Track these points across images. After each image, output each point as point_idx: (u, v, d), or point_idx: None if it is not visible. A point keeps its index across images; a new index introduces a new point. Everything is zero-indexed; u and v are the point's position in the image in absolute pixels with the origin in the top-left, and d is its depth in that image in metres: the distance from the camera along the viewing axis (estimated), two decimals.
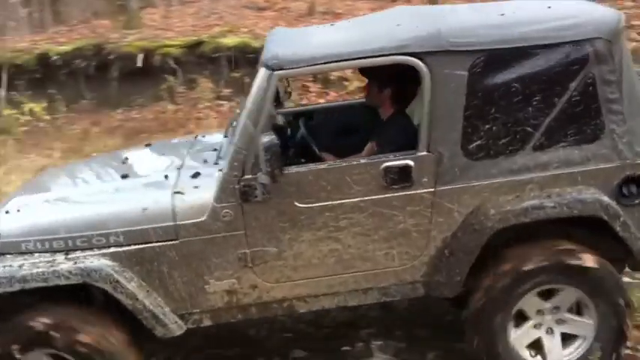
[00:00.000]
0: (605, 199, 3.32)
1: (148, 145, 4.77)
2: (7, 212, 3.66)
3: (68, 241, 3.48)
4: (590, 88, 3.33)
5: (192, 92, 9.44)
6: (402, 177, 3.37)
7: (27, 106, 8.66)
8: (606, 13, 3.46)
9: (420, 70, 3.31)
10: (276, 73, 3.33)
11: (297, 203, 3.40)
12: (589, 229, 3.38)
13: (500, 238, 3.36)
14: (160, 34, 10.01)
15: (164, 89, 9.50)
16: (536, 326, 3.52)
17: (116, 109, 9.42)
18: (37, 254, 3.49)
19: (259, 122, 3.32)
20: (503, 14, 3.57)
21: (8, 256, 3.48)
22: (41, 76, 9.38)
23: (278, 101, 4.40)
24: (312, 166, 3.42)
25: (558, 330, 3.50)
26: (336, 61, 3.40)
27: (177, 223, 3.39)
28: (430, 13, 3.95)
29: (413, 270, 3.50)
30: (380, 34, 3.56)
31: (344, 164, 3.44)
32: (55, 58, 9.39)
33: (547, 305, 3.47)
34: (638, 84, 3.46)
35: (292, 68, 3.36)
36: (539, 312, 3.48)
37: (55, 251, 3.48)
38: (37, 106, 8.63)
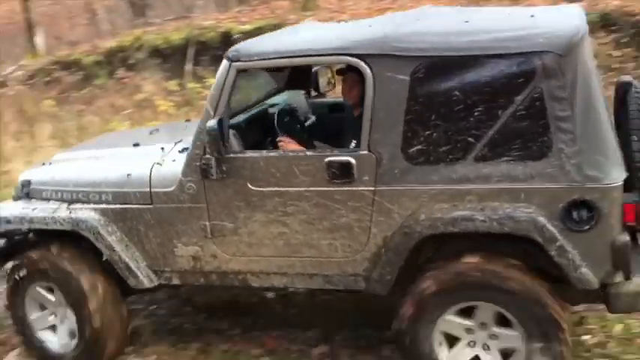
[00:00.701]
0: (542, 220, 3.18)
1: (187, 121, 5.51)
2: (43, 164, 4.69)
3: (72, 194, 4.17)
4: (538, 103, 3.18)
5: None
6: (344, 173, 3.48)
7: (209, 81, 8.99)
8: (563, 26, 3.28)
9: (363, 71, 3.42)
10: (233, 64, 3.63)
11: (250, 185, 3.66)
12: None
13: (451, 246, 3.41)
14: (334, 17, 10.66)
15: None
16: (471, 344, 3.47)
17: None
18: (51, 201, 4.23)
19: (217, 107, 3.63)
20: (467, 21, 3.57)
21: (33, 200, 4.32)
22: (223, 53, 10.65)
23: (318, 91, 4.95)
24: (264, 153, 3.70)
25: (494, 345, 3.42)
26: (285, 57, 3.65)
27: (152, 190, 3.89)
28: (399, 16, 4.05)
29: (354, 263, 3.60)
30: (338, 35, 3.72)
31: (291, 154, 3.68)
32: (236, 36, 10.08)
33: (471, 322, 3.42)
34: (601, 103, 3.27)
35: (247, 61, 3.64)
36: (469, 330, 3.44)
37: (63, 201, 4.19)
38: None
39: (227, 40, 10.25)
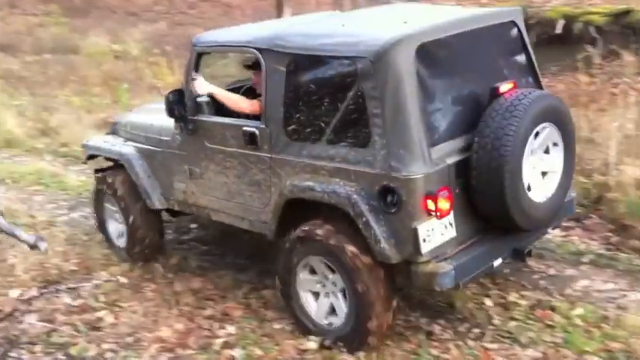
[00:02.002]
0: (355, 197, 3.78)
1: None
2: (129, 111, 6.34)
3: (128, 134, 5.52)
4: (360, 100, 3.79)
5: (612, 66, 8.72)
6: (252, 140, 4.35)
7: None
8: (383, 36, 3.75)
9: (259, 61, 4.29)
10: (194, 48, 4.74)
11: (205, 142, 4.71)
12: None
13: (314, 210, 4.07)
14: (584, 0, 9.38)
15: (581, 60, 8.99)
16: (327, 295, 4.17)
17: None
18: (121, 138, 5.58)
19: (187, 80, 4.75)
20: (343, 25, 4.29)
21: (115, 136, 5.69)
22: None
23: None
24: (212, 118, 4.69)
25: (336, 290, 4.09)
26: (220, 46, 4.75)
27: (160, 137, 5.13)
28: (303, 17, 5.10)
29: (265, 213, 4.43)
30: (256, 29, 4.64)
31: (226, 121, 4.59)
32: None
33: (317, 277, 4.18)
34: (414, 104, 3.67)
35: (202, 46, 4.73)
36: (320, 283, 4.19)
37: (126, 139, 5.52)
38: None
39: None
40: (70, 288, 5.12)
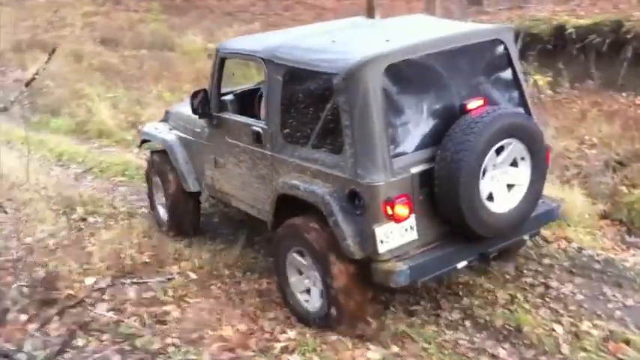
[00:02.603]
0: (328, 198, 4.24)
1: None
2: (182, 101, 7.05)
3: (174, 123, 6.18)
4: (336, 112, 4.23)
5: None
6: (258, 138, 4.90)
7: (532, 77, 8.45)
8: (356, 56, 4.14)
9: (263, 69, 4.81)
10: (217, 53, 5.35)
11: (226, 137, 5.31)
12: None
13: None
14: None
15: None
16: (308, 277, 4.61)
17: (621, 92, 8.85)
18: (169, 126, 6.24)
19: (212, 81, 5.39)
20: (334, 41, 4.66)
21: (166, 124, 6.32)
22: (552, 48, 9.46)
23: None
24: (232, 116, 5.29)
25: (312, 275, 4.55)
26: (236, 53, 5.29)
27: (194, 128, 5.75)
28: (307, 29, 5.52)
29: (267, 203, 4.89)
30: (266, 39, 5.21)
31: (241, 120, 5.16)
32: (570, 31, 9.36)
33: (304, 262, 4.57)
34: (379, 119, 4.04)
35: (224, 52, 5.32)
36: (304, 266, 4.59)
37: (172, 127, 6.18)
38: (542, 79, 8.57)
39: (560, 33, 9.57)
40: (141, 280, 5.25)
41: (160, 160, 6.14)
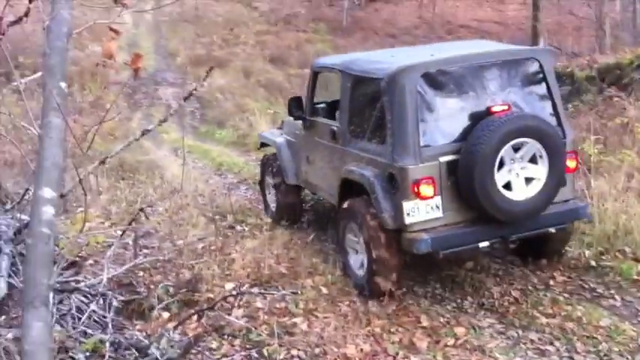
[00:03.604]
0: (372, 178, 5.16)
1: None
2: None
3: (286, 129, 7.21)
4: (382, 110, 5.19)
5: None
6: (334, 136, 5.91)
7: None
8: (399, 64, 5.15)
9: (339, 78, 5.92)
10: (312, 68, 6.59)
11: (315, 137, 6.33)
12: None
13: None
14: None
15: None
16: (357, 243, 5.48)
17: None
18: (281, 133, 7.32)
19: (307, 91, 6.57)
20: (393, 56, 5.75)
21: (280, 129, 7.50)
22: None
23: None
24: (319, 119, 6.32)
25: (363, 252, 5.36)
26: (323, 67, 6.45)
27: (296, 132, 6.83)
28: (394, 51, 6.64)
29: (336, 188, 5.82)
30: (352, 56, 6.40)
31: (324, 121, 6.20)
32: None
33: (356, 239, 5.47)
34: (412, 116, 4.96)
35: (314, 67, 6.56)
36: (357, 243, 5.46)
37: (284, 133, 7.24)
38: None
39: None
40: (276, 290, 5.43)
41: (272, 160, 7.21)
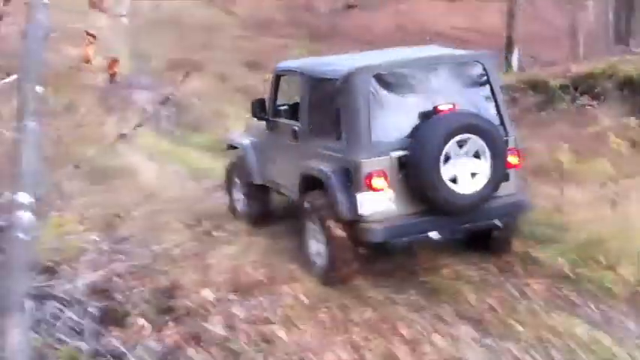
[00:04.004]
0: (330, 173, 5.50)
1: None
2: None
3: (253, 130, 7.56)
4: (337, 108, 5.58)
5: None
6: (295, 135, 6.26)
7: None
8: (353, 66, 5.54)
9: (299, 80, 6.39)
10: (275, 71, 7.05)
11: (277, 138, 6.68)
12: None
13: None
14: None
15: None
16: (316, 238, 5.79)
17: None
18: (247, 135, 7.63)
19: (270, 93, 6.90)
20: (347, 59, 6.26)
21: (247, 131, 7.88)
22: None
23: None
24: (281, 120, 6.68)
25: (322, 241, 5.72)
26: (284, 71, 6.91)
27: (260, 133, 7.10)
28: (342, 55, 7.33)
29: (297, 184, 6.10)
30: (309, 60, 7.39)
31: (286, 122, 6.55)
32: None
33: (315, 227, 5.78)
34: (364, 114, 5.34)
35: (276, 71, 6.98)
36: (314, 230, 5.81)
37: (250, 135, 7.49)
38: None
39: None
40: (254, 297, 5.40)
41: (240, 161, 7.37)
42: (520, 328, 4.88)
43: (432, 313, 5.17)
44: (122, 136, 4.89)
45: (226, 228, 7.04)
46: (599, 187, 7.01)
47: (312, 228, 5.78)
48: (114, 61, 5.93)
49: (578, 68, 11.46)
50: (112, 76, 7.18)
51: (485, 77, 5.66)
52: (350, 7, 25.46)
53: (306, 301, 5.36)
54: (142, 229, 6.65)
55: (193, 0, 25.28)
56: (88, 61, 4.48)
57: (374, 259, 6.25)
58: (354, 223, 5.38)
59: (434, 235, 5.42)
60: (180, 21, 22.50)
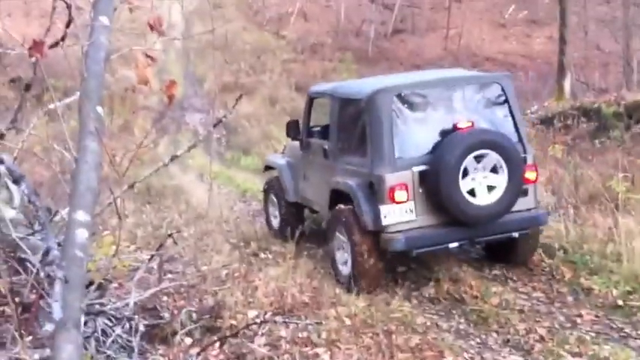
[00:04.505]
0: (355, 187, 5.89)
1: None
2: None
3: (289, 152, 8.03)
4: (364, 127, 5.96)
5: None
6: (325, 153, 6.64)
7: None
8: (375, 87, 5.96)
9: (329, 102, 6.76)
10: (308, 94, 7.52)
11: (310, 156, 7.04)
12: None
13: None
14: None
15: None
16: (345, 254, 6.14)
17: None
18: (284, 156, 8.16)
19: (304, 115, 7.32)
20: (374, 81, 6.62)
21: (283, 154, 8.35)
22: None
23: None
24: (313, 139, 7.08)
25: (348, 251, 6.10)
26: (318, 93, 7.31)
27: (295, 153, 7.53)
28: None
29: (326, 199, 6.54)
30: (343, 83, 7.92)
31: (318, 142, 6.94)
32: None
33: (344, 239, 6.12)
34: (387, 131, 5.69)
35: (310, 94, 7.49)
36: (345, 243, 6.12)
37: (287, 156, 8.01)
38: None
39: None
40: (299, 319, 5.42)
41: (275, 181, 7.81)
42: (570, 359, 4.77)
43: (479, 341, 5.10)
44: (176, 157, 4.99)
45: (273, 250, 7.11)
46: None
47: (340, 238, 6.14)
48: (172, 83, 6.09)
49: (632, 96, 11.25)
50: (170, 98, 7.31)
51: (503, 97, 6.00)
52: (397, 31, 25.55)
53: (351, 324, 5.33)
54: (191, 249, 6.75)
55: (245, 24, 25.78)
56: (145, 82, 4.60)
57: (419, 285, 6.23)
58: (377, 233, 5.73)
59: (453, 246, 5.77)
60: (232, 45, 22.94)
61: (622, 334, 5.11)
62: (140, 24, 5.53)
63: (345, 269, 6.06)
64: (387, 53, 21.80)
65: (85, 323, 4.64)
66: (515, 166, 5.66)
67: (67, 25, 4.85)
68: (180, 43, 22.50)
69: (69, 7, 4.91)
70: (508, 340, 5.08)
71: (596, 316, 5.38)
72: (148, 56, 5.48)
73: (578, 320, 5.33)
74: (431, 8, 26.65)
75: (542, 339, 5.05)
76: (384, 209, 5.60)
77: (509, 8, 26.47)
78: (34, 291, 4.53)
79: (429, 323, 5.40)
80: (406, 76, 6.93)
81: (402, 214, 5.62)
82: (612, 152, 10.08)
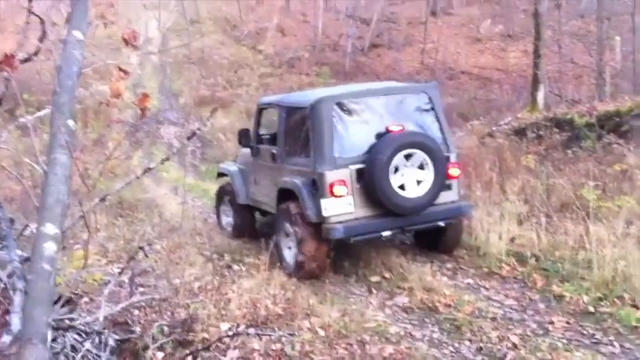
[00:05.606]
0: (300, 184, 6.63)
1: None
2: None
3: (240, 159, 8.71)
4: (306, 131, 6.71)
5: None
6: (274, 157, 7.31)
7: None
8: (317, 96, 6.74)
9: (277, 111, 7.51)
10: (257, 105, 8.34)
11: (260, 161, 7.73)
12: None
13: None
14: None
15: None
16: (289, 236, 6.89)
17: None
18: (236, 163, 8.86)
19: (254, 124, 8.08)
20: (317, 91, 7.74)
21: (235, 162, 9.01)
22: None
23: None
24: (263, 145, 7.75)
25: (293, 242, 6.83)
26: (266, 104, 8.06)
27: (247, 160, 8.16)
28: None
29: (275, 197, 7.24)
30: (286, 95, 8.45)
31: (267, 147, 7.62)
32: None
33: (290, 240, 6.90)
34: (328, 134, 6.48)
35: (259, 105, 8.32)
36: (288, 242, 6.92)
37: (238, 163, 8.70)
38: None
39: None
40: (272, 331, 5.38)
41: (228, 186, 8.51)
42: None
43: (452, 350, 5.10)
44: (149, 170, 4.95)
45: (246, 261, 7.06)
46: (625, 225, 6.90)
47: (285, 230, 6.84)
48: (145, 96, 6.04)
49: (604, 107, 11.39)
50: (143, 111, 7.26)
51: (430, 104, 6.89)
52: (375, 46, 25.69)
53: (324, 335, 5.31)
54: (163, 262, 6.69)
55: (223, 39, 25.77)
56: (118, 95, 4.57)
57: (393, 294, 6.23)
58: (319, 225, 6.45)
59: (386, 234, 6.60)
60: (209, 59, 22.91)
61: (593, 340, 5.14)
62: (117, 39, 5.48)
63: (290, 257, 6.82)
64: (364, 67, 21.90)
65: (55, 339, 4.58)
66: (440, 163, 6.50)
67: (41, 40, 4.81)
68: (156, 58, 22.44)
69: (42, 22, 4.89)
70: (481, 349, 5.08)
71: (568, 323, 5.41)
72: (121, 70, 5.46)
73: (550, 327, 5.36)
74: (408, 23, 26.84)
75: (514, 346, 5.07)
76: (325, 203, 6.34)
77: (485, 23, 26.76)
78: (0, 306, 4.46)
79: (402, 333, 5.40)
80: (347, 87, 7.86)
81: (341, 206, 6.39)
82: (584, 161, 10.14)
